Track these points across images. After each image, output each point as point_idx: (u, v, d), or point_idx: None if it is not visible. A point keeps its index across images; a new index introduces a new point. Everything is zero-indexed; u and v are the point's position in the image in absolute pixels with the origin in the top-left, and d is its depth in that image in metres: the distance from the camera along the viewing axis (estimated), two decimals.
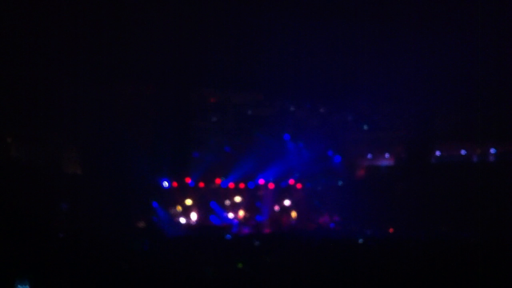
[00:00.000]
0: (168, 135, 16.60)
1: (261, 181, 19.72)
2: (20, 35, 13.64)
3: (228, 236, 15.60)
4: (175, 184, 18.36)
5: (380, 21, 14.78)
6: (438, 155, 18.64)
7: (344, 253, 11.84)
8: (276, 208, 19.53)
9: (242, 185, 19.36)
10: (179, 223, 17.95)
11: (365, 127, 18.92)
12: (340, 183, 19.97)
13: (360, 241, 13.56)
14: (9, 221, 10.66)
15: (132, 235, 14.13)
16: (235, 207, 19.19)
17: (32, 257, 9.08)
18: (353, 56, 15.50)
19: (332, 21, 14.83)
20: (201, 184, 18.91)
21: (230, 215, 18.95)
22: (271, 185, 19.58)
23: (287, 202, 19.66)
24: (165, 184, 18.01)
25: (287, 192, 19.86)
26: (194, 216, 18.41)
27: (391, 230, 16.45)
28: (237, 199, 19.26)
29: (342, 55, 15.60)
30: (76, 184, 15.91)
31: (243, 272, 10.82)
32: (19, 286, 8.40)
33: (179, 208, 18.47)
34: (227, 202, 19.17)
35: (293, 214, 19.45)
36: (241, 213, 19.14)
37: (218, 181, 18.95)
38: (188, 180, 18.49)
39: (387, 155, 19.76)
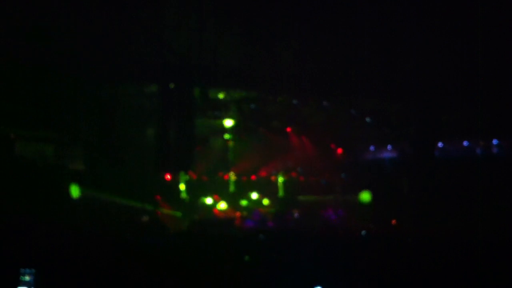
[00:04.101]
0: (172, 130, 16.61)
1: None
2: (21, 32, 13.67)
3: (232, 231, 15.63)
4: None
5: (384, 17, 14.77)
6: (442, 150, 18.59)
7: (347, 246, 11.85)
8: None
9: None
10: (182, 217, 18.01)
11: (368, 119, 18.90)
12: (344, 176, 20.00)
13: (363, 233, 13.59)
14: (12, 219, 10.68)
15: (136, 231, 14.15)
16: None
17: (36, 254, 9.10)
18: (357, 51, 15.49)
19: (337, 16, 14.83)
20: (205, 178, 19.12)
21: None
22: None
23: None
24: (167, 177, 18.16)
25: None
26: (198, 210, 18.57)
27: (393, 221, 16.45)
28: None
29: (346, 50, 15.59)
30: (80, 181, 15.93)
31: (248, 267, 10.82)
32: (23, 281, 8.43)
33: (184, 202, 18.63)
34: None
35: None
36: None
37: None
38: (191, 173, 18.60)
39: (391, 150, 19.74)
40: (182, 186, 18.80)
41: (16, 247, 8.92)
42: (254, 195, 19.85)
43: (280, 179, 20.18)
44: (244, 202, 19.50)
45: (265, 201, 19.80)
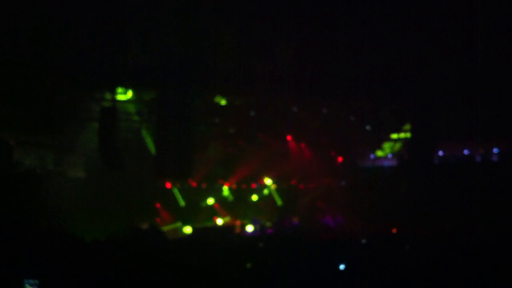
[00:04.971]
0: (171, 137, 16.62)
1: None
2: (22, 36, 13.67)
3: (232, 238, 15.64)
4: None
5: (382, 19, 14.80)
6: (441, 155, 18.62)
7: (347, 254, 11.87)
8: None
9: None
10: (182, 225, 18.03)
11: (368, 127, 18.93)
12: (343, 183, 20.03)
13: (364, 241, 13.61)
14: (12, 224, 10.67)
15: (135, 237, 14.15)
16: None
17: (35, 259, 9.08)
18: (355, 54, 15.51)
19: (335, 19, 14.86)
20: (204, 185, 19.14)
21: None
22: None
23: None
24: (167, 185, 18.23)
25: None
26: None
27: (394, 230, 16.44)
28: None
29: (344, 53, 15.62)
30: (80, 186, 15.94)
31: (248, 274, 10.85)
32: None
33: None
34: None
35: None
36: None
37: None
38: (191, 181, 18.62)
39: (390, 155, 19.77)
40: (181, 194, 18.79)
41: (19, 258, 8.90)
42: (254, 202, 19.89)
43: (279, 187, 20.21)
44: (243, 210, 19.51)
45: (265, 208, 19.81)
